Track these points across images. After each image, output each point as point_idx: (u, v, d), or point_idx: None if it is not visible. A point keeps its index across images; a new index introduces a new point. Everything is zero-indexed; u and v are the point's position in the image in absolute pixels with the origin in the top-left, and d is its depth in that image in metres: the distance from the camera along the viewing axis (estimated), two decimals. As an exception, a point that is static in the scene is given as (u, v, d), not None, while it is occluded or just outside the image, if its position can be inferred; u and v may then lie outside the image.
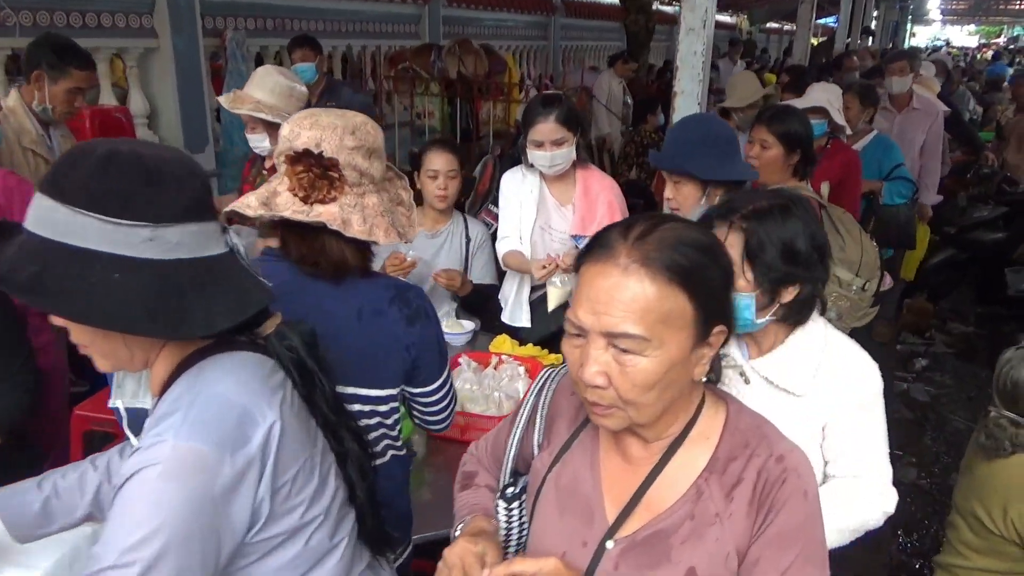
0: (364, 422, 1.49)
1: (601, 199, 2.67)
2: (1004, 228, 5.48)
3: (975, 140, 6.33)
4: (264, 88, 2.87)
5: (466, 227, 2.98)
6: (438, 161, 2.78)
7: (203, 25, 5.86)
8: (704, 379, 1.04)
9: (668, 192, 2.08)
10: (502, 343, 2.56)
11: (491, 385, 2.20)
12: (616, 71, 7.36)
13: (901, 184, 4.00)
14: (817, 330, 1.58)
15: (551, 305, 2.59)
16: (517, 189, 2.74)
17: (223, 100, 2.87)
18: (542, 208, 2.70)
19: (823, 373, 1.53)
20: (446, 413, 1.66)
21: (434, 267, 2.89)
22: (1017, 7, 25.22)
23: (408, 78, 6.81)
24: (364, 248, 1.44)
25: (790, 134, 2.53)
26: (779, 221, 1.47)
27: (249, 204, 1.34)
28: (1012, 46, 29.49)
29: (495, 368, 2.30)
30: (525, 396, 1.24)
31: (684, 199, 2.07)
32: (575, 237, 2.65)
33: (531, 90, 6.49)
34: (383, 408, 1.52)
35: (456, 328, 2.67)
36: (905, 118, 4.78)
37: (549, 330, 2.62)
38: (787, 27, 21.25)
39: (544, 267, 2.51)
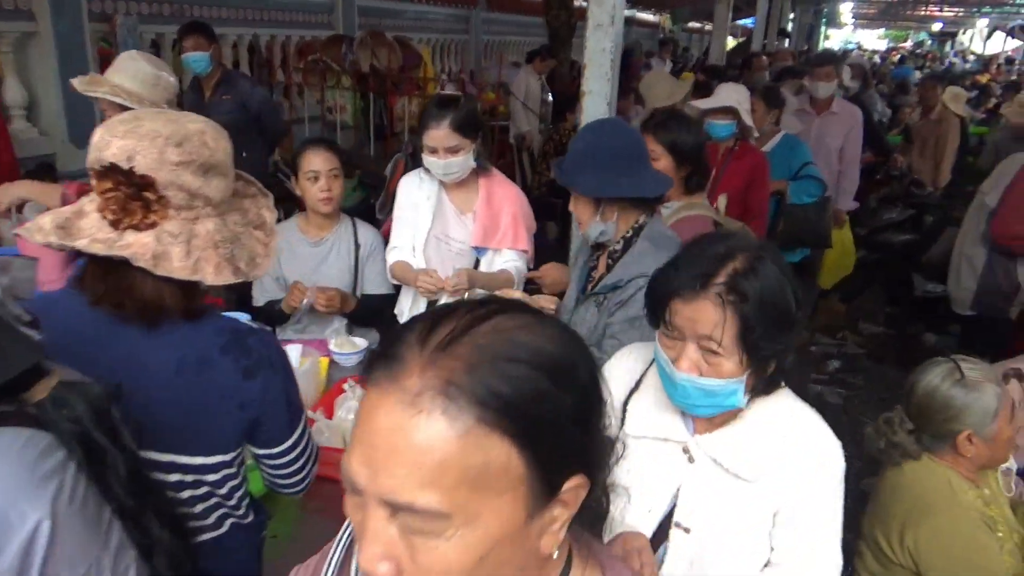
0: (188, 493, 1.25)
1: (505, 210, 2.49)
2: (912, 230, 5.58)
3: (884, 143, 6.44)
4: (125, 73, 2.61)
5: (355, 232, 2.75)
6: (316, 161, 2.54)
7: (89, 8, 5.42)
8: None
9: (571, 205, 1.92)
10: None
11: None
12: (535, 67, 7.20)
13: (809, 183, 3.96)
14: (783, 403, 1.36)
15: None
16: (413, 195, 2.53)
17: (77, 82, 2.58)
18: (439, 216, 2.50)
19: (781, 455, 1.31)
20: (300, 476, 1.41)
21: (319, 280, 2.66)
22: (923, 13, 26.37)
23: (319, 71, 6.49)
24: (190, 285, 1.17)
25: (677, 144, 2.31)
26: (767, 282, 1.21)
27: (42, 227, 1.09)
28: (918, 50, 30.84)
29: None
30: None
31: (579, 215, 1.91)
32: (476, 249, 2.47)
33: (446, 85, 6.28)
34: (212, 477, 1.26)
35: (346, 347, 2.44)
36: (824, 121, 4.76)
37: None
38: (708, 27, 21.64)
39: (426, 283, 2.34)
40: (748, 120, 3.37)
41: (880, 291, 6.04)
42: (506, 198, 2.47)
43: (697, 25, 22.38)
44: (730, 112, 3.31)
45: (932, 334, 5.46)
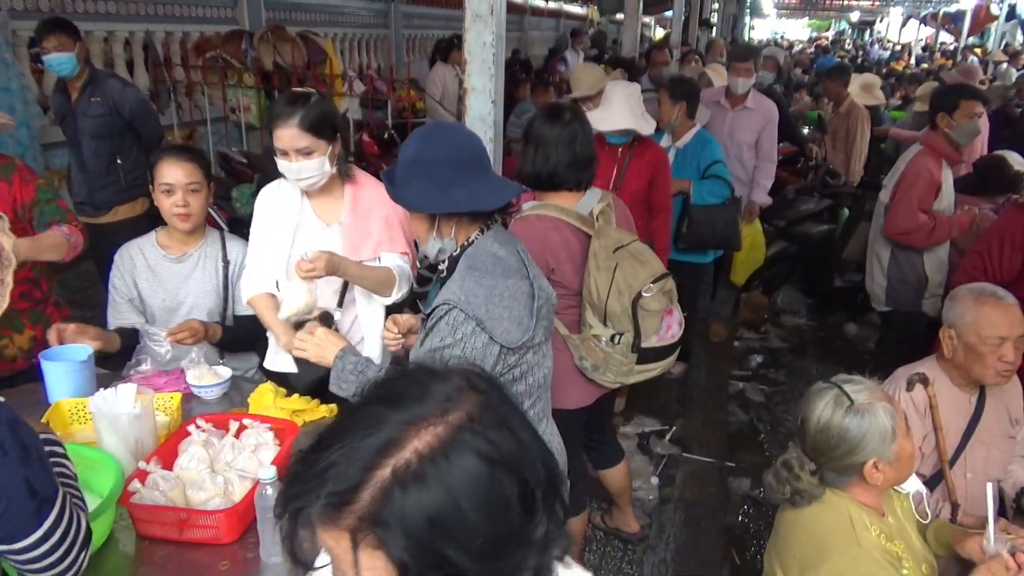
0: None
1: (376, 214, 2.24)
2: (829, 220, 5.55)
3: (798, 135, 6.42)
4: None
5: (223, 248, 2.49)
6: (171, 172, 2.28)
7: (-49, 4, 4.97)
8: None
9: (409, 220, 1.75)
10: (263, 395, 2.11)
11: (226, 461, 1.76)
12: (450, 61, 6.93)
13: (714, 183, 3.81)
14: None
15: (281, 313, 2.10)
16: (272, 206, 2.28)
17: None
18: (301, 230, 2.26)
19: None
20: (59, 569, 1.18)
21: (182, 300, 2.40)
22: (842, 3, 27.01)
23: (219, 68, 6.13)
24: None
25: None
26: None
27: None
28: (840, 39, 31.61)
29: (236, 435, 1.85)
30: None
31: (416, 231, 1.71)
32: None
33: (354, 82, 6.00)
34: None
35: (207, 379, 2.18)
36: (737, 116, 4.66)
37: (319, 373, 2.18)
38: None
39: (299, 347, 1.96)
40: (645, 127, 3.24)
41: (800, 283, 6.02)
42: (376, 202, 2.23)
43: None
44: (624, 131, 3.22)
45: (853, 324, 5.46)
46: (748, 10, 23.69)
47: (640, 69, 7.17)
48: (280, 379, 2.26)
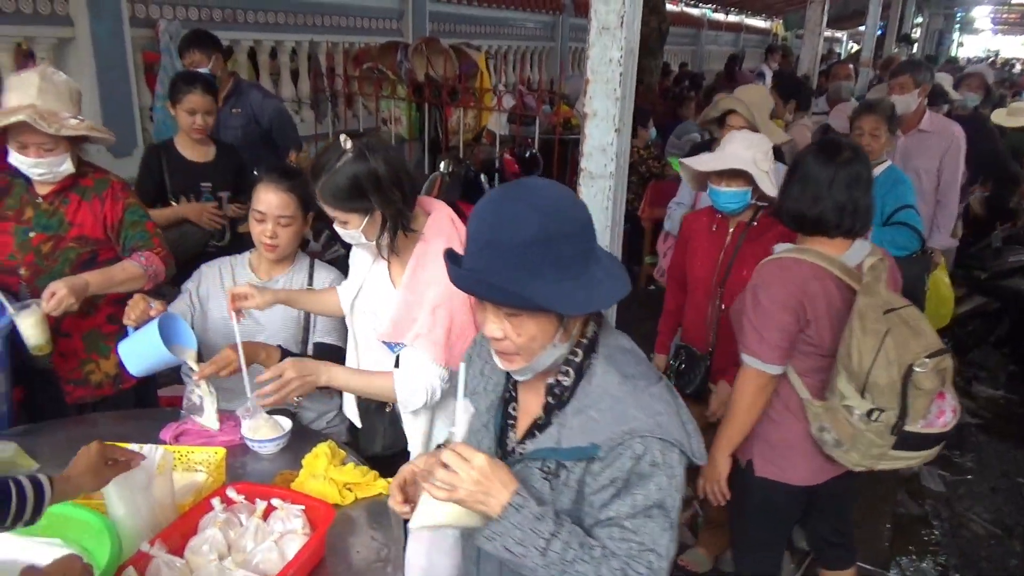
0: None
1: (429, 296, 1.76)
2: (1045, 276, 4.63)
3: (1009, 169, 5.36)
4: (61, 96, 2.19)
5: (310, 275, 2.29)
6: (265, 199, 2.09)
7: (133, 13, 5.23)
8: None
9: (493, 330, 1.18)
10: (317, 458, 1.83)
11: (246, 550, 1.49)
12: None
13: (901, 232, 3.15)
14: None
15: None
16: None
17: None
18: (372, 282, 1.94)
19: None
20: None
21: (266, 325, 2.20)
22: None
23: (374, 79, 6.12)
24: None
25: None
26: None
27: None
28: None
29: (264, 516, 1.58)
30: None
31: (528, 337, 1.17)
32: (387, 344, 1.86)
33: (504, 96, 5.76)
34: None
35: (263, 431, 1.93)
36: (911, 142, 3.93)
37: (400, 446, 1.86)
38: (829, 33, 20.19)
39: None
40: (767, 186, 2.42)
41: (1001, 347, 5.07)
42: (434, 280, 1.75)
43: (813, 32, 20.95)
44: (740, 176, 2.43)
45: (1067, 404, 4.50)
46: (958, 25, 21.42)
47: (811, 90, 6.42)
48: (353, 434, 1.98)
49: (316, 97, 6.58)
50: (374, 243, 1.74)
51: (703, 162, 2.54)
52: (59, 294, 1.98)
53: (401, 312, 1.79)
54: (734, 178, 2.43)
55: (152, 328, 1.91)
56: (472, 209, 1.15)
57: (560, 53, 10.65)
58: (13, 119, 2.03)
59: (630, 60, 2.02)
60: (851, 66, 6.67)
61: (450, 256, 1.18)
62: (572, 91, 6.69)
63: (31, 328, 2.01)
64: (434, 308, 1.73)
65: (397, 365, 1.84)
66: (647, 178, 5.91)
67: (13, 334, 2.06)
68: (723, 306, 2.53)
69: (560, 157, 5.20)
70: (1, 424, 2.07)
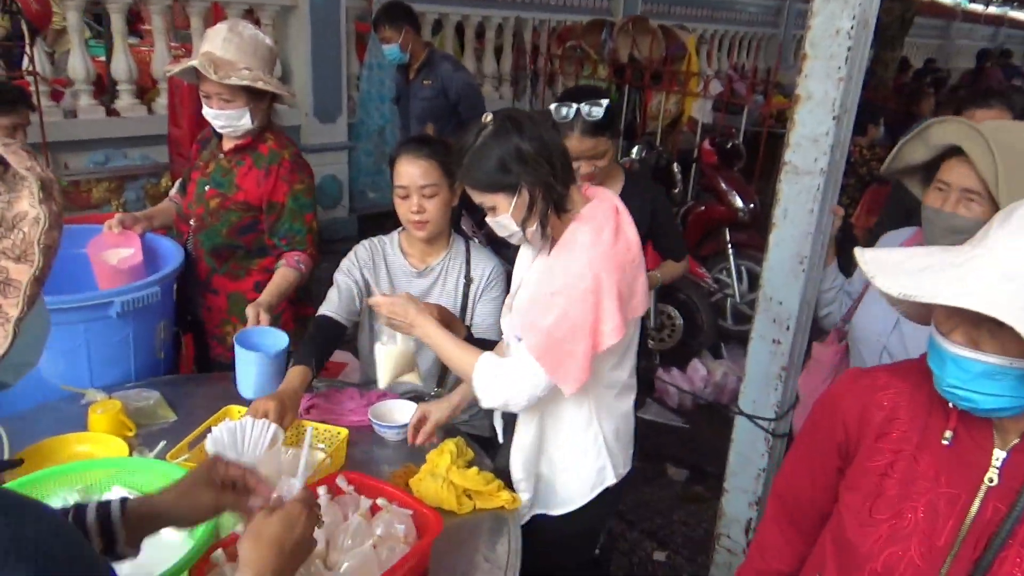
0: None
1: (555, 282, 1.52)
2: None
3: None
4: (244, 49, 2.17)
5: (467, 262, 2.10)
6: (406, 172, 1.92)
7: (349, -15, 5.43)
8: None
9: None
10: (442, 454, 1.67)
11: (343, 548, 1.35)
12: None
13: None
14: None
15: (381, 380, 1.76)
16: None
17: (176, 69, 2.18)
18: (520, 269, 1.74)
19: None
20: None
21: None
22: None
23: (575, 58, 5.94)
24: None
25: None
26: None
27: None
28: None
29: (367, 515, 1.43)
30: None
31: None
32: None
33: (711, 82, 5.32)
34: None
35: (391, 416, 1.81)
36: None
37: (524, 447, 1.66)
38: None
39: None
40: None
41: None
42: (568, 274, 1.51)
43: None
44: (1007, 332, 0.89)
45: None
46: None
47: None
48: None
49: (516, 74, 6.51)
50: (527, 233, 1.53)
51: (919, 285, 0.96)
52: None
53: (524, 294, 1.59)
54: (994, 332, 0.92)
55: (239, 351, 1.84)
56: None
57: (784, 39, 9.87)
58: (188, 64, 2.04)
59: (862, 34, 1.63)
60: None
61: None
62: (791, 82, 6.10)
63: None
64: (545, 307, 1.49)
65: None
66: (867, 182, 5.23)
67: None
68: None
69: (767, 151, 4.71)
70: (156, 371, 2.11)
